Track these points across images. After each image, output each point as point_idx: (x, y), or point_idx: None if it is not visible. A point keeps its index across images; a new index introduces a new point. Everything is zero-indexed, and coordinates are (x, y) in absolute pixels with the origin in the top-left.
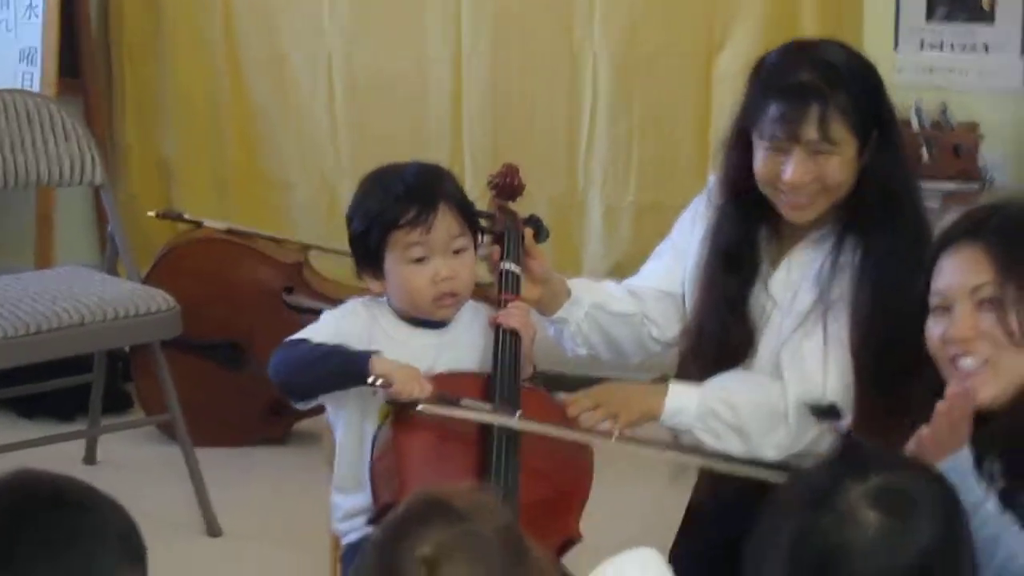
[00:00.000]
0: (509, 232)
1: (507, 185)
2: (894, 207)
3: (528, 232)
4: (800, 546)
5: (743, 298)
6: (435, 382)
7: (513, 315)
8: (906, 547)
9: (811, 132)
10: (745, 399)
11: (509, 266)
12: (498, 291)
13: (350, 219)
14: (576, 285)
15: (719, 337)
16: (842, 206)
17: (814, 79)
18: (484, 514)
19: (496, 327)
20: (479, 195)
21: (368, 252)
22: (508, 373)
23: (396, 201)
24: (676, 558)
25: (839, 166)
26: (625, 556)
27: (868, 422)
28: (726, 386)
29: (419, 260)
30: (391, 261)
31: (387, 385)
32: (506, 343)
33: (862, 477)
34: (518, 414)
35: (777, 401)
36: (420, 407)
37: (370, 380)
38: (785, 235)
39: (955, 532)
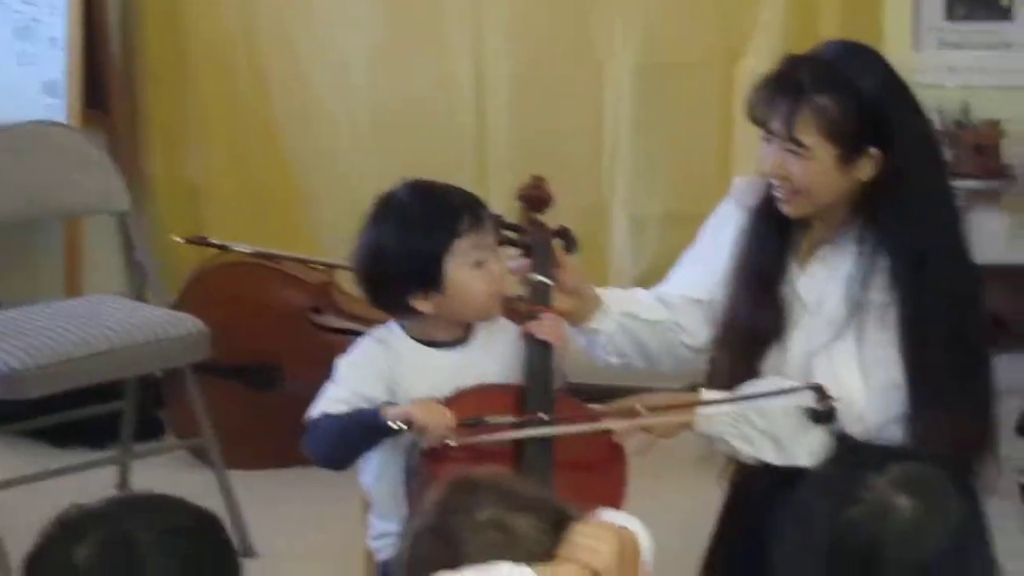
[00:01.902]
0: (539, 244)
1: (536, 197)
2: (908, 229)
3: (557, 244)
4: (840, 544)
5: (775, 280)
6: (462, 399)
7: (545, 326)
8: (941, 527)
9: (777, 127)
10: (777, 405)
11: (539, 278)
12: (529, 303)
13: (386, 248)
14: (606, 295)
15: (750, 319)
16: (859, 214)
17: (797, 75)
18: (515, 480)
19: (528, 338)
20: (504, 209)
21: (426, 270)
22: (541, 384)
23: (456, 211)
24: (718, 547)
25: (806, 170)
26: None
27: (930, 417)
28: (758, 392)
29: (479, 263)
30: (455, 269)
31: (410, 423)
32: (538, 354)
33: (881, 468)
34: (547, 418)
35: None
36: (451, 443)
37: (394, 427)
38: (813, 235)
39: (976, 510)
